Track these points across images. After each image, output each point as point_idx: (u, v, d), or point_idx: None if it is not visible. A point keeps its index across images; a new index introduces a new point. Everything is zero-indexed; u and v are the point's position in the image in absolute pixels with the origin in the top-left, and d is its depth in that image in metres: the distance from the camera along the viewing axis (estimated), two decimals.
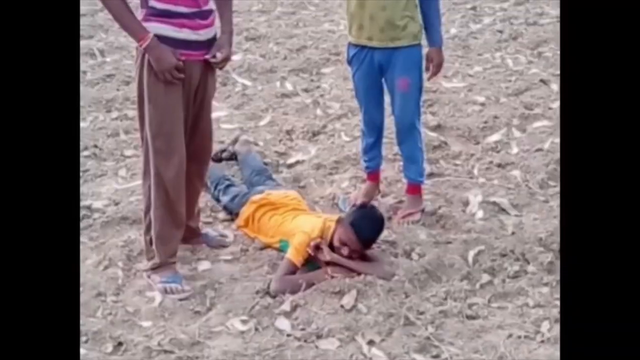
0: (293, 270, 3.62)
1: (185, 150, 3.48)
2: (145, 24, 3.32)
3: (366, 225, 3.66)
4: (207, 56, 3.43)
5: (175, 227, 3.57)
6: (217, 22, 3.51)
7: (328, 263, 3.62)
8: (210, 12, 3.45)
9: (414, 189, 4.14)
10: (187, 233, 3.76)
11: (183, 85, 3.40)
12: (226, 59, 3.50)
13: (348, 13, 3.94)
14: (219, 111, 5.27)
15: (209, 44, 3.45)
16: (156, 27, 3.32)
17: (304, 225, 3.75)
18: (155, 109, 3.38)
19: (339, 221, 3.71)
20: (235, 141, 4.73)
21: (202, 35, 3.41)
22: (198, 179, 3.74)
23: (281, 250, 3.76)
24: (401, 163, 4.57)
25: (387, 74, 3.95)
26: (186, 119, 3.48)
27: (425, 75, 4.03)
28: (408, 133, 4.02)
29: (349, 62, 4.07)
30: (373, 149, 4.21)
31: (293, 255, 3.63)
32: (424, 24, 3.90)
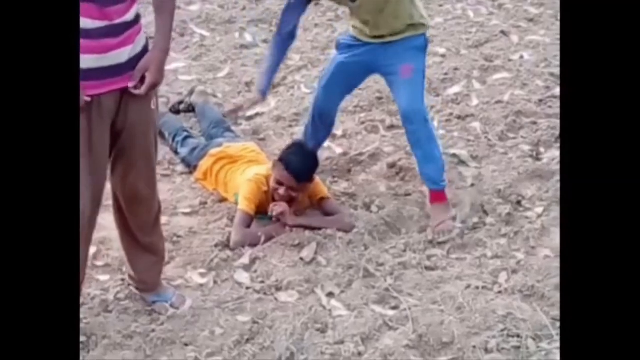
0: (249, 220, 3.60)
1: (121, 195, 2.95)
2: None
3: (295, 159, 3.62)
4: (130, 85, 2.72)
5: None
6: (141, 37, 2.78)
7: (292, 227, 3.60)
8: (126, 25, 2.67)
9: (438, 195, 3.69)
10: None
11: (100, 116, 2.71)
12: (153, 86, 2.77)
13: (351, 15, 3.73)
14: (176, 62, 5.18)
15: (127, 67, 2.71)
16: None
17: (250, 175, 3.74)
18: None
19: (274, 165, 3.69)
20: (191, 92, 4.65)
21: (112, 59, 2.66)
22: (137, 231, 3.04)
23: (237, 204, 3.74)
24: (361, 115, 4.55)
25: (383, 68, 3.72)
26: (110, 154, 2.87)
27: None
28: (420, 125, 3.59)
29: (338, 47, 3.84)
30: (320, 143, 4.00)
31: (245, 205, 3.61)
32: None
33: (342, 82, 3.82)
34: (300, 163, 3.63)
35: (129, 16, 2.67)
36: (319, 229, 3.59)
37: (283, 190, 3.61)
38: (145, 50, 2.78)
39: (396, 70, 3.64)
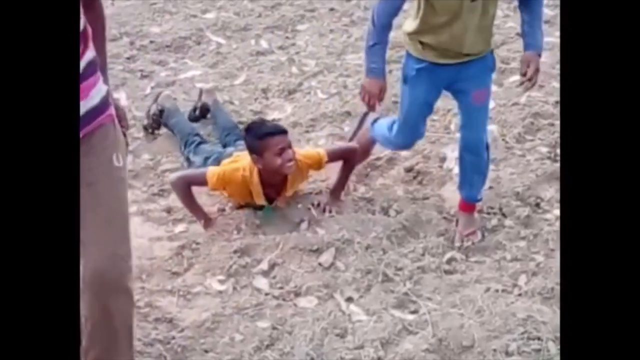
0: (201, 183, 3.73)
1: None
2: None
3: (266, 126, 3.72)
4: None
5: None
6: (99, 88, 2.42)
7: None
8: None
9: (470, 206, 3.66)
10: None
11: None
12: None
13: (418, 25, 3.33)
14: (193, 70, 5.21)
15: (81, 123, 2.25)
16: None
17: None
18: None
19: (255, 161, 3.65)
20: (200, 95, 4.66)
21: None
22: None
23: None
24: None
25: (456, 87, 3.50)
26: None
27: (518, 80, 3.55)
28: (482, 156, 3.54)
29: (405, 79, 3.49)
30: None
31: (211, 170, 3.69)
32: (522, 24, 3.46)
33: (423, 111, 3.60)
34: (270, 124, 3.81)
35: (80, 64, 2.26)
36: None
37: (290, 152, 3.63)
38: (104, 102, 2.41)
39: (469, 91, 3.44)
